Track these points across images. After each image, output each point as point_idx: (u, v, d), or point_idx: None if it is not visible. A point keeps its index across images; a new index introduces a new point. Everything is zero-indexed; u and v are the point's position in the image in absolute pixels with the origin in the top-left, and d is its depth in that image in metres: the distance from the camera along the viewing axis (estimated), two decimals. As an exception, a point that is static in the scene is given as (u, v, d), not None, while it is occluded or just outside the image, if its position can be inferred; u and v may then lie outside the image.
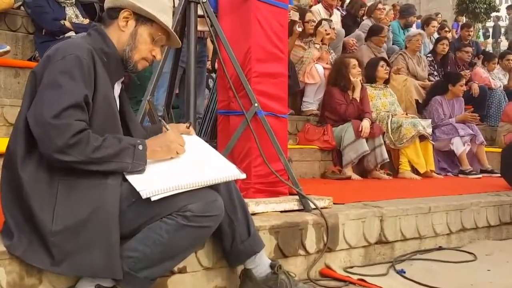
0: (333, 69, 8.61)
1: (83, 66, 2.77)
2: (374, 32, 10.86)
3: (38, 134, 2.67)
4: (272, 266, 3.30)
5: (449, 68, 11.67)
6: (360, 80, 8.33)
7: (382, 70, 9.00)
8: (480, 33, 25.31)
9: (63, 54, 2.77)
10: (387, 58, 10.57)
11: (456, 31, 18.66)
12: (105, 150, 2.74)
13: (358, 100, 8.20)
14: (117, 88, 3.15)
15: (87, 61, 2.80)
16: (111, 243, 2.70)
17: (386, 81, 9.18)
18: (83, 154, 2.68)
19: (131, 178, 2.83)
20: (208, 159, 3.15)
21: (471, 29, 14.33)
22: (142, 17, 3.06)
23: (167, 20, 3.13)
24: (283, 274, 3.28)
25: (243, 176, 3.09)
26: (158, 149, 2.98)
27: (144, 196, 2.72)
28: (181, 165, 3.00)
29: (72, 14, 7.15)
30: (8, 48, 7.04)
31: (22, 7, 8.20)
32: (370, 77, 9.07)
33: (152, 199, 2.74)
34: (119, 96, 3.19)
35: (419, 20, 16.19)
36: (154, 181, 2.81)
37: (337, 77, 8.31)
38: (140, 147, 2.87)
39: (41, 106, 2.69)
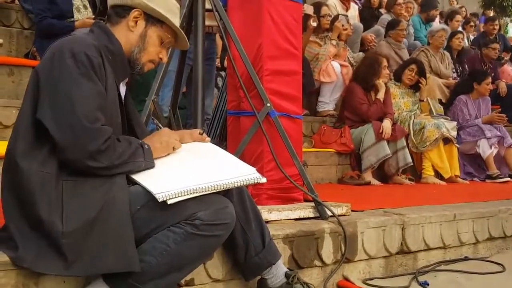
0: (363, 64, 8.56)
1: (94, 66, 2.80)
2: (391, 25, 10.84)
3: (67, 137, 2.69)
4: (287, 276, 3.31)
5: (466, 65, 11.62)
6: (385, 82, 8.33)
7: (407, 74, 8.97)
8: (509, 28, 25.23)
9: (71, 52, 2.78)
10: (407, 54, 10.58)
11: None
12: (125, 154, 2.82)
13: (382, 101, 8.19)
14: (122, 89, 3.16)
15: (98, 60, 2.82)
16: (124, 236, 2.72)
17: (415, 87, 9.11)
18: (109, 160, 2.75)
19: (143, 181, 2.84)
20: (226, 162, 3.15)
21: (496, 22, 14.26)
22: (152, 18, 3.08)
23: (176, 21, 3.17)
24: (299, 285, 3.28)
25: (264, 180, 3.10)
26: (158, 145, 3.05)
27: (160, 199, 2.72)
28: (197, 168, 3.01)
29: (80, 4, 7.13)
30: (0, 40, 7.06)
31: (16, 1, 8.20)
32: (397, 75, 9.09)
33: (169, 202, 2.74)
34: (124, 97, 3.20)
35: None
36: (169, 183, 2.82)
37: (367, 74, 8.28)
38: (146, 146, 2.96)
39: (65, 108, 2.71)
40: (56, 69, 2.76)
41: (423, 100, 9.15)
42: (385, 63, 8.35)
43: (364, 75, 8.30)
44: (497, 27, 14.23)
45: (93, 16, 6.99)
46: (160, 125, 3.44)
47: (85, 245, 2.65)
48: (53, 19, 6.79)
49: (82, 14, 7.04)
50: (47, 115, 2.73)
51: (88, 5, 7.22)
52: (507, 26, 23.97)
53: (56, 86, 2.75)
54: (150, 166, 2.93)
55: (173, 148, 3.11)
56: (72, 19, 6.88)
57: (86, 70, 2.76)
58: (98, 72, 2.81)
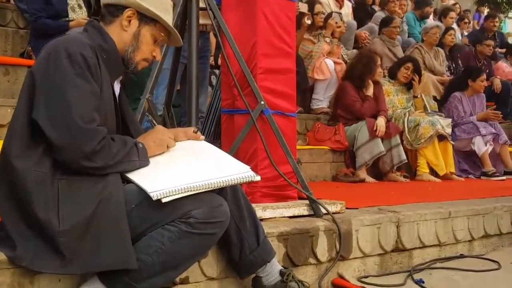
0: (359, 63, 8.49)
1: (90, 66, 2.81)
2: (385, 23, 10.88)
3: (63, 138, 2.71)
4: (282, 274, 3.31)
5: (460, 61, 11.64)
6: (378, 80, 8.40)
7: (402, 72, 9.01)
8: (503, 24, 25.24)
9: (67, 52, 2.79)
10: (401, 51, 10.60)
11: (478, 22, 18.63)
12: (119, 154, 2.83)
13: (372, 97, 8.23)
14: (117, 87, 3.18)
15: (93, 60, 2.84)
16: (121, 233, 2.73)
17: (409, 84, 9.14)
18: (103, 160, 2.77)
19: (137, 180, 2.85)
20: (220, 161, 3.16)
21: (496, 19, 14.27)
22: (145, 17, 3.09)
23: (170, 19, 3.18)
24: (294, 283, 3.29)
25: (258, 178, 3.10)
26: (152, 143, 3.05)
27: (154, 198, 2.73)
28: (191, 166, 3.02)
29: (75, 3, 7.12)
30: None
31: (11, 1, 8.20)
32: (392, 73, 9.12)
33: (163, 200, 2.75)
34: (119, 96, 3.21)
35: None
36: (163, 181, 2.83)
37: (363, 72, 8.28)
38: (140, 145, 2.96)
39: (61, 109, 2.72)
40: (51, 69, 2.78)
41: (417, 96, 9.16)
42: (379, 61, 8.39)
43: (360, 73, 8.29)
44: (497, 24, 14.27)
45: (88, 18, 6.98)
46: (154, 122, 3.45)
47: (82, 243, 2.67)
48: (48, 19, 6.78)
49: (77, 13, 7.02)
50: (42, 115, 2.74)
51: (83, 5, 7.21)
52: (502, 22, 24.00)
53: (52, 86, 2.76)
54: (145, 165, 2.94)
55: (167, 147, 3.11)
56: (67, 19, 6.87)
57: (81, 71, 2.77)
58: (93, 73, 2.82)
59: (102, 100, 2.88)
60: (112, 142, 2.81)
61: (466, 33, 15.09)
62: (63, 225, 2.64)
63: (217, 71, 8.03)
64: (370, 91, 8.28)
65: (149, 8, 3.05)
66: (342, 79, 8.76)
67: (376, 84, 8.44)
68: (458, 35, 14.11)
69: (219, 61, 7.38)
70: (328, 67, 9.12)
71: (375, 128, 7.77)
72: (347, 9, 11.67)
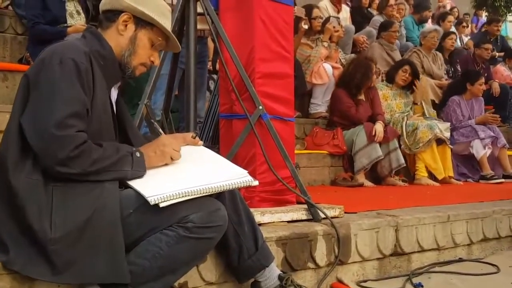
0: (355, 71, 8.44)
1: (81, 72, 2.80)
2: (384, 27, 10.90)
3: (38, 144, 2.70)
4: (280, 279, 3.32)
5: (458, 65, 11.67)
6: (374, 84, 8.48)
7: (400, 75, 9.00)
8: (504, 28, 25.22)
9: (60, 58, 2.79)
10: (400, 55, 10.61)
11: (476, 25, 18.64)
12: (104, 161, 2.78)
13: (365, 100, 8.29)
14: (114, 93, 3.17)
15: (85, 66, 2.83)
16: (114, 245, 2.72)
17: (408, 88, 9.14)
18: (81, 167, 2.72)
19: (135, 185, 2.85)
20: (218, 165, 3.16)
21: (500, 24, 14.26)
22: (142, 21, 3.09)
23: (167, 24, 3.17)
24: (293, 287, 3.29)
25: (256, 183, 3.10)
26: (152, 154, 3.00)
27: (152, 202, 2.73)
28: (189, 171, 3.02)
29: (73, 9, 7.11)
30: None
31: (10, 7, 8.20)
32: (389, 76, 9.13)
33: (161, 205, 2.74)
34: (116, 102, 3.20)
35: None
36: (161, 186, 2.83)
37: (361, 80, 8.29)
38: (138, 154, 2.91)
39: (41, 114, 2.72)
40: (42, 74, 2.79)
41: (417, 104, 9.17)
42: (374, 68, 8.44)
43: (359, 82, 8.29)
44: (501, 28, 14.24)
45: (86, 24, 6.96)
46: (160, 130, 3.43)
47: (74, 252, 2.66)
48: (46, 25, 6.77)
49: (76, 19, 7.00)
50: (27, 120, 2.76)
51: (81, 11, 7.19)
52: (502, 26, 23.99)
53: (40, 91, 2.77)
54: (138, 175, 2.89)
55: (172, 159, 3.06)
56: (65, 25, 6.86)
57: (70, 76, 2.76)
58: (84, 78, 2.81)
59: (95, 106, 2.87)
60: (95, 149, 2.77)
61: (464, 37, 15.09)
62: (54, 233, 2.64)
63: (215, 76, 8.05)
64: (361, 96, 8.35)
65: (145, 11, 3.05)
66: (336, 86, 8.76)
67: (370, 88, 8.48)
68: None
69: (217, 66, 7.39)
70: (326, 72, 9.12)
71: (373, 133, 7.77)
72: (345, 14, 11.68)
